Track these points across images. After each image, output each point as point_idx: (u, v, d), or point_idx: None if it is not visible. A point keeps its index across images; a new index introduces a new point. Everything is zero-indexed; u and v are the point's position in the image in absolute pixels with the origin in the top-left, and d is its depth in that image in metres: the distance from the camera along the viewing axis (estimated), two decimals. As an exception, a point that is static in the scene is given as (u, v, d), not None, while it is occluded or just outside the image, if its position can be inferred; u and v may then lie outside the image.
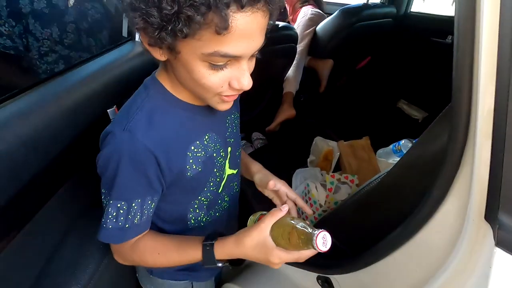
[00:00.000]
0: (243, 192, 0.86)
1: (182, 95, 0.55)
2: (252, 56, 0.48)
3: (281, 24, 1.45)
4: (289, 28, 1.48)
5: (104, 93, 0.77)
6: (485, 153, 0.42)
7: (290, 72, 1.74)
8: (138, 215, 0.54)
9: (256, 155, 0.88)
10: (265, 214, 0.58)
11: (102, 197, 0.54)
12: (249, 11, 0.40)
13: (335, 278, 0.75)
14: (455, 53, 0.44)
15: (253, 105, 1.79)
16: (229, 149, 0.67)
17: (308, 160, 1.41)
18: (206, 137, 0.59)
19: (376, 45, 2.01)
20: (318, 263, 0.78)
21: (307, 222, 0.52)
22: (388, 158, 1.35)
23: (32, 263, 0.62)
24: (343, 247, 0.81)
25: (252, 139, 1.93)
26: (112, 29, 1.13)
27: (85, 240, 0.71)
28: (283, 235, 0.50)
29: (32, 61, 0.95)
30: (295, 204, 0.70)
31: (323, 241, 0.47)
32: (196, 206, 0.65)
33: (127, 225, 0.54)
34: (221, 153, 0.64)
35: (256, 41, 0.44)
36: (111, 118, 0.79)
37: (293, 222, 0.51)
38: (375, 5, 1.84)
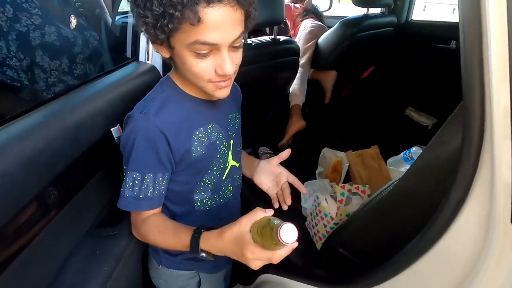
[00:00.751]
0: (242, 193, 0.87)
1: (190, 90, 0.66)
2: (235, 47, 0.56)
3: (282, 38, 1.46)
4: (290, 42, 1.49)
5: (108, 112, 0.77)
6: (505, 151, 0.39)
7: (295, 85, 1.74)
8: (151, 188, 0.63)
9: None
10: None
11: (124, 173, 0.64)
12: (217, 6, 0.49)
13: (351, 296, 0.71)
14: (462, 51, 0.42)
15: (259, 119, 1.79)
16: (231, 141, 0.75)
17: (317, 172, 1.38)
18: (210, 126, 0.68)
19: (378, 54, 2.01)
20: (331, 279, 0.74)
21: (276, 219, 0.51)
22: (399, 167, 1.31)
23: (34, 286, 0.60)
24: (358, 261, 0.77)
25: (259, 154, 1.91)
26: (115, 53, 1.16)
27: (88, 263, 0.69)
28: (258, 230, 0.51)
29: (38, 92, 0.96)
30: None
31: (288, 232, 0.46)
32: (201, 188, 0.72)
33: (141, 196, 0.63)
34: (224, 143, 0.72)
35: (229, 32, 0.52)
36: (115, 136, 0.79)
37: (270, 219, 0.51)
38: (375, 15, 1.84)
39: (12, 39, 0.86)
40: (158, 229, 0.65)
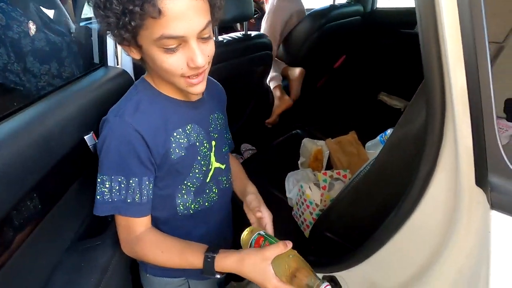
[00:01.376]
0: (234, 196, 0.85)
1: (166, 90, 0.65)
2: (204, 39, 0.55)
3: (253, 33, 1.47)
4: (262, 36, 1.50)
5: (80, 119, 0.75)
6: (465, 121, 0.42)
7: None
8: (138, 193, 0.61)
9: (246, 164, 0.87)
10: (262, 234, 0.62)
11: (99, 179, 0.61)
12: None
13: (340, 276, 0.73)
14: (420, 37, 0.45)
15: (238, 116, 1.79)
16: (213, 143, 0.73)
17: (299, 162, 1.40)
18: (189, 126, 0.66)
19: (348, 43, 2.06)
20: (321, 263, 0.76)
21: (309, 266, 0.55)
22: (377, 149, 1.36)
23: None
24: (344, 242, 0.79)
25: (242, 151, 1.92)
26: (82, 59, 1.12)
27: (74, 276, 0.67)
28: (284, 271, 0.53)
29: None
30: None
31: None
32: (183, 191, 0.70)
33: (128, 200, 0.60)
34: (205, 144, 0.70)
35: (194, 21, 0.51)
36: (89, 144, 0.77)
37: (297, 262, 0.54)
38: (341, 5, 1.89)
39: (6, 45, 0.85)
40: (159, 248, 0.63)
